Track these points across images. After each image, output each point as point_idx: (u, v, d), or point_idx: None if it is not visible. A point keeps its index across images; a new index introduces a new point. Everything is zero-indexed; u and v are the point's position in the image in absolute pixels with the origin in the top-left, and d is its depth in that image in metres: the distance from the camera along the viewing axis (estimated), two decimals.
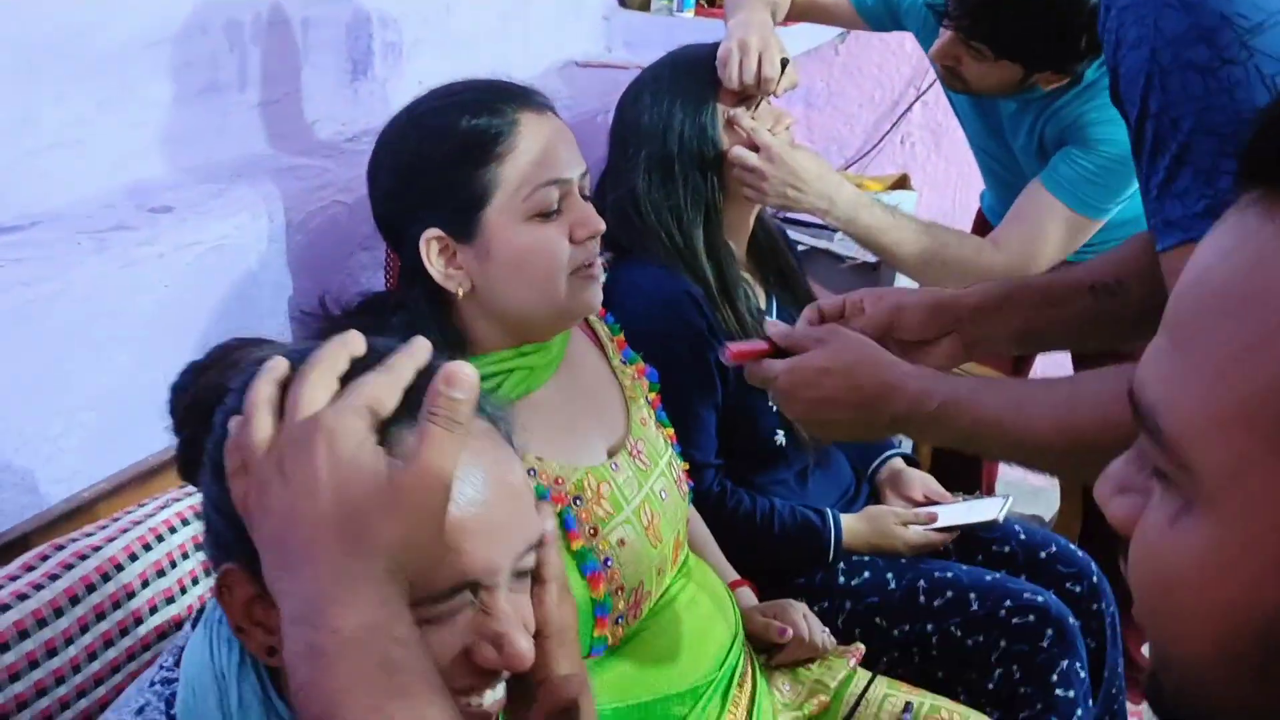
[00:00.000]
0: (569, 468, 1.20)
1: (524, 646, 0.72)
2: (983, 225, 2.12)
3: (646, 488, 1.28)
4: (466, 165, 1.14)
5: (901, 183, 2.81)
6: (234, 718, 0.77)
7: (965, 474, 2.15)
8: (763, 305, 1.74)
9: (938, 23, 1.67)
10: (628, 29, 2.33)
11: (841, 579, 1.66)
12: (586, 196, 1.23)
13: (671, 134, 1.59)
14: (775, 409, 1.64)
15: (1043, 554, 1.73)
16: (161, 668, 0.83)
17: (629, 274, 1.65)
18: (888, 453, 1.86)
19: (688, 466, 1.41)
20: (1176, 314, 0.48)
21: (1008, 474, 2.46)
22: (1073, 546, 1.75)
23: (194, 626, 0.83)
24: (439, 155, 1.15)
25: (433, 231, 1.15)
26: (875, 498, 1.84)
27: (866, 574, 1.66)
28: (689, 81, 1.60)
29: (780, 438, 1.67)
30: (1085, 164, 1.64)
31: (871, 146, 3.04)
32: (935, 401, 1.01)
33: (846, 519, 1.67)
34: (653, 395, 1.39)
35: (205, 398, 0.79)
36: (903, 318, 1.14)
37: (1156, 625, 0.50)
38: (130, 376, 1.13)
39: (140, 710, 0.79)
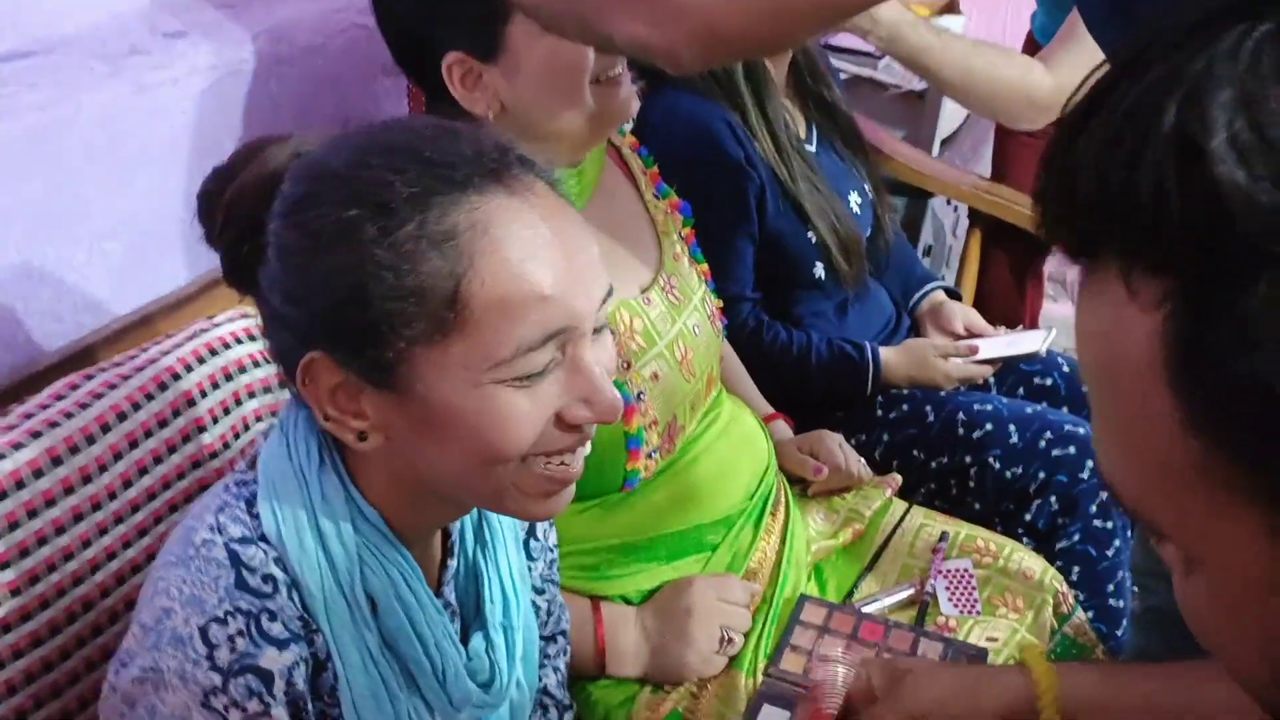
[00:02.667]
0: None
1: (611, 396, 0.76)
2: (1033, 49, 2.02)
3: (680, 323, 1.25)
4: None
5: (950, 6, 2.69)
6: (318, 510, 0.78)
7: (1009, 308, 2.11)
8: (803, 134, 1.68)
9: None
10: None
11: (879, 411, 1.65)
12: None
13: None
14: (814, 239, 1.60)
15: (1085, 386, 1.69)
16: (236, 472, 0.84)
17: (663, 101, 1.60)
18: (929, 285, 1.82)
19: (721, 303, 1.38)
20: (1087, 389, 0.49)
21: (1052, 310, 2.42)
22: None
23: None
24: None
25: (454, 55, 1.10)
26: (916, 330, 1.81)
27: (905, 406, 1.64)
28: None
29: (819, 270, 1.63)
30: None
31: None
32: None
33: (885, 351, 1.64)
34: (686, 230, 1.35)
35: (242, 201, 0.77)
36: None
37: (1216, 655, 0.51)
38: (153, 204, 1.11)
39: (221, 509, 0.80)
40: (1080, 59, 1.58)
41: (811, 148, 1.68)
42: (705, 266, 1.37)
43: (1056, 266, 2.17)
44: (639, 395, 1.19)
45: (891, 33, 1.55)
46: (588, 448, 0.80)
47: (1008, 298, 2.13)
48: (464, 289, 0.71)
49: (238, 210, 0.77)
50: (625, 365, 1.18)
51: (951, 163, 2.18)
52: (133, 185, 1.10)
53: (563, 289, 0.74)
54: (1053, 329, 1.66)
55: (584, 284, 0.76)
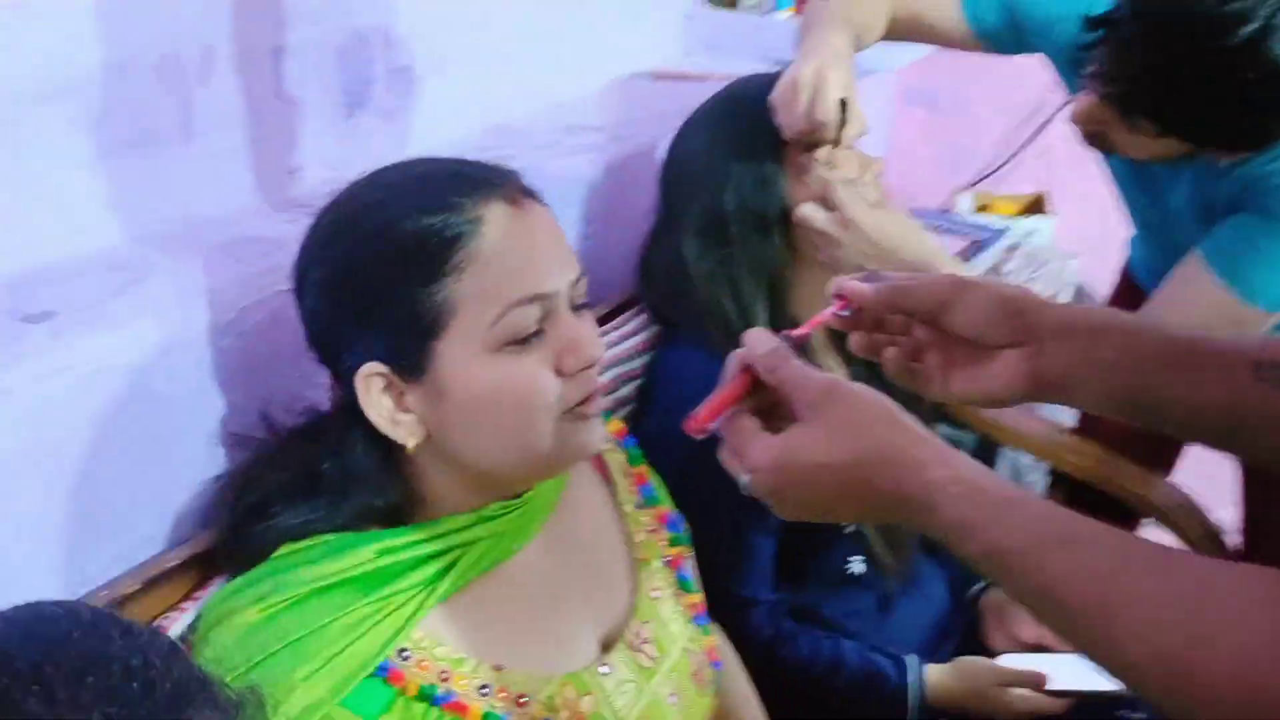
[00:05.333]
0: (539, 678, 0.91)
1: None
2: (1127, 287, 1.74)
3: (649, 693, 0.97)
4: (412, 280, 0.85)
5: (1037, 205, 2.42)
6: None
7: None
8: None
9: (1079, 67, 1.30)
10: (712, 31, 2.00)
11: None
12: (581, 305, 0.92)
13: (726, 187, 1.27)
14: (849, 527, 1.33)
15: None
16: None
17: (673, 358, 1.35)
18: None
19: (713, 641, 1.10)
20: None
21: None
22: None
23: None
24: (376, 267, 0.86)
25: (372, 366, 0.87)
26: (975, 629, 1.50)
27: None
28: (748, 121, 1.27)
29: (857, 565, 1.35)
30: (1263, 241, 1.26)
31: (1005, 160, 2.63)
32: (946, 517, 0.67)
33: (933, 672, 1.34)
34: (673, 551, 1.09)
35: None
36: (962, 301, 0.79)
37: None
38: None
39: None
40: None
41: None
42: (697, 598, 1.10)
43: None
44: None
45: None
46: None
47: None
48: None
49: None
50: None
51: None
52: None
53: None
54: None
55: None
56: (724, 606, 1.27)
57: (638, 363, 1.40)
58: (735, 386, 0.78)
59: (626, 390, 1.39)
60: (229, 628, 0.84)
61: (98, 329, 0.95)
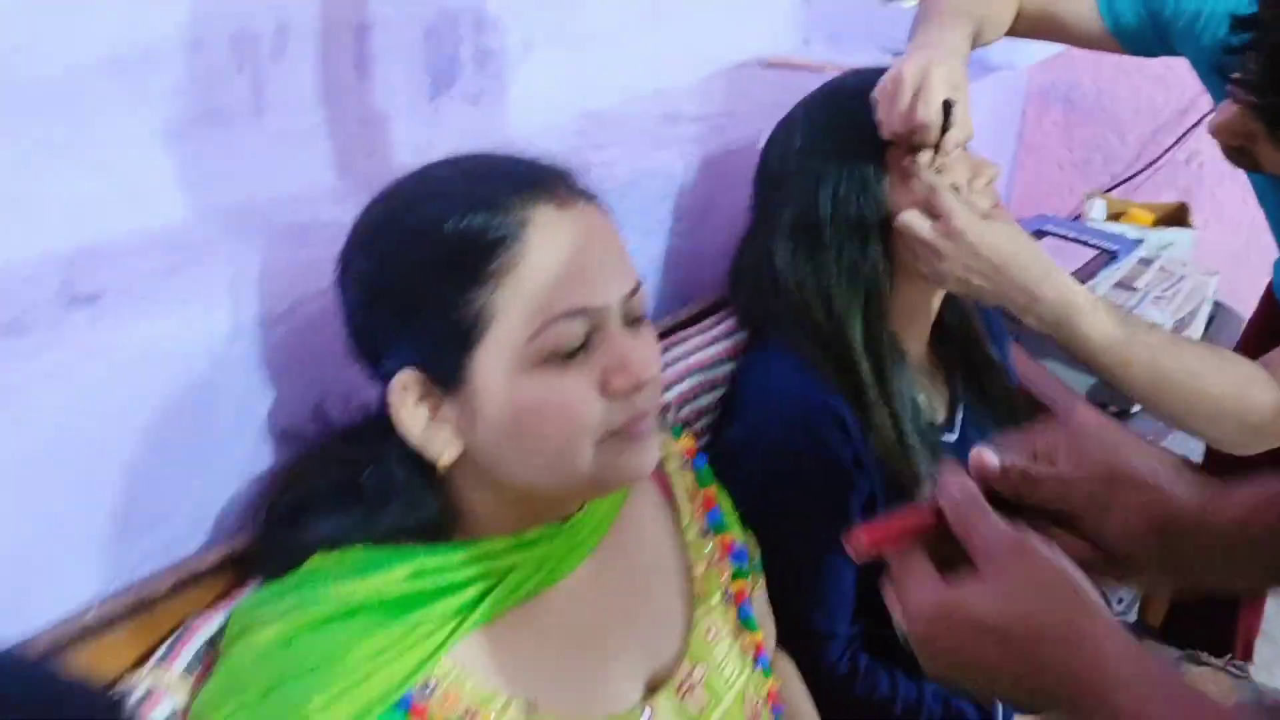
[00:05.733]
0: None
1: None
2: (1272, 310, 1.58)
3: None
4: (450, 285, 0.79)
5: (1178, 215, 2.25)
6: None
7: (1210, 632, 1.65)
8: (941, 417, 1.31)
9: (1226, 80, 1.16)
10: (832, 18, 1.89)
11: None
12: (638, 318, 0.85)
13: (824, 190, 1.18)
14: None
15: None
16: None
17: (759, 366, 1.26)
18: None
19: (776, 685, 1.02)
20: None
21: (1273, 633, 1.92)
22: None
23: None
24: (414, 267, 0.80)
25: (408, 373, 0.81)
26: None
27: None
28: (849, 119, 1.17)
29: None
30: None
31: (1147, 164, 2.45)
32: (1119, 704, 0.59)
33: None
34: (736, 585, 1.01)
35: None
36: (1110, 509, 0.71)
37: None
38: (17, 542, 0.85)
39: None
40: None
41: (952, 437, 1.30)
42: (760, 636, 1.02)
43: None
44: None
45: (1057, 315, 1.15)
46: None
47: (1213, 613, 1.67)
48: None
49: None
50: None
51: (1156, 434, 1.74)
52: None
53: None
54: None
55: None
56: (799, 637, 1.19)
57: (724, 369, 1.32)
58: (917, 519, 0.70)
59: (708, 399, 1.31)
60: (248, 644, 0.80)
61: (145, 312, 0.91)
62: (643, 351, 0.82)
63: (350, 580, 0.81)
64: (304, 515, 0.86)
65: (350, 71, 1.19)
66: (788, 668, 1.18)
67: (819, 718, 1.17)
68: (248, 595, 0.88)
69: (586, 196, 0.84)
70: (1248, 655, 1.72)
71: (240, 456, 0.98)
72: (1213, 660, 1.56)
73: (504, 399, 0.79)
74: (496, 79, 1.35)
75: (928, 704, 1.23)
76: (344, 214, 1.07)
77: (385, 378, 0.83)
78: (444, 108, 1.29)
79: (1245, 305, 1.78)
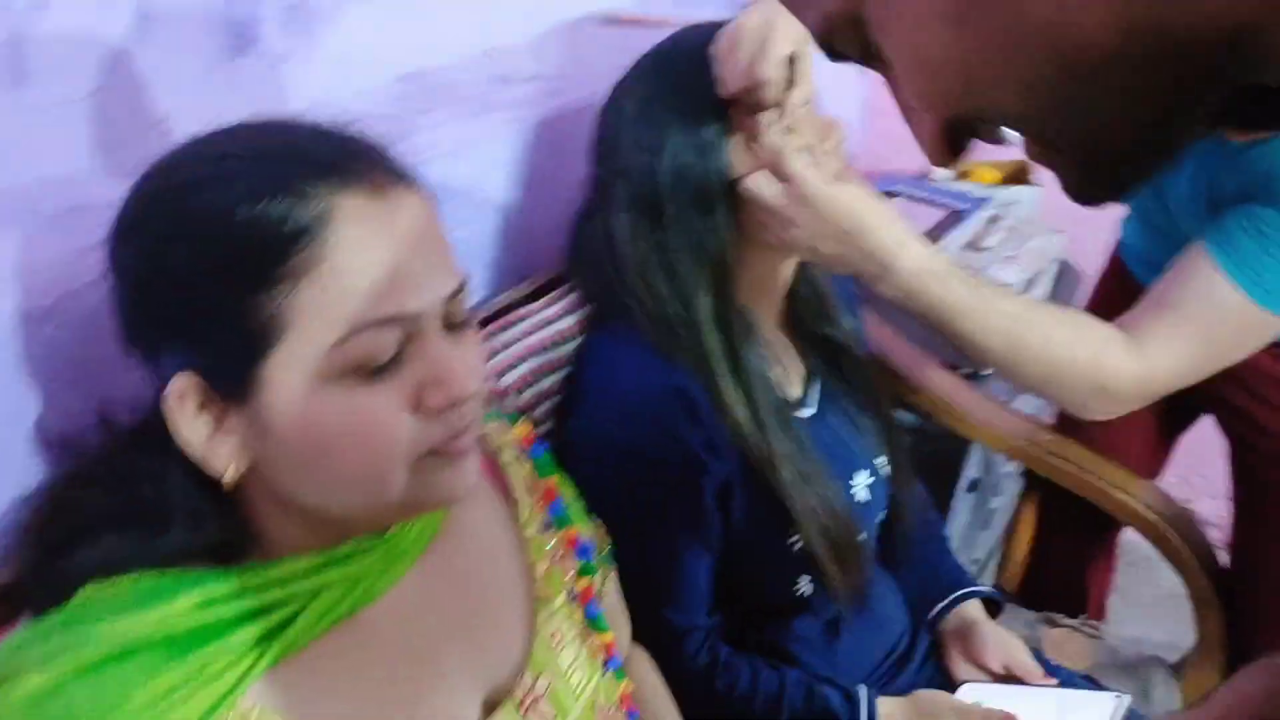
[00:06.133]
0: None
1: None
2: (1118, 271, 1.57)
3: None
4: (235, 285, 0.67)
5: (1020, 174, 2.25)
6: None
7: (1066, 593, 1.64)
8: (797, 392, 1.25)
9: None
10: None
11: None
12: (460, 322, 0.75)
13: (660, 155, 1.10)
14: (798, 546, 1.17)
15: None
16: None
17: (601, 349, 1.18)
18: (960, 591, 1.37)
19: (629, 688, 0.95)
20: None
21: (1131, 596, 1.94)
22: None
23: None
24: (191, 262, 0.68)
25: (185, 379, 0.70)
26: (936, 652, 1.35)
27: None
28: (687, 78, 1.09)
29: (804, 585, 1.20)
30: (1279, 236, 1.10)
31: None
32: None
33: (887, 706, 1.19)
34: (581, 583, 0.93)
35: None
36: None
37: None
38: None
39: None
40: (1177, 336, 1.13)
41: (808, 412, 1.25)
42: (610, 637, 0.94)
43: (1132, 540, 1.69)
44: None
45: (910, 285, 1.10)
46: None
47: (1068, 574, 1.67)
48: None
49: None
50: None
51: (1008, 396, 1.73)
52: None
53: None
54: (1125, 696, 1.19)
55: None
56: (655, 632, 1.13)
57: (566, 349, 1.23)
58: None
59: (550, 382, 1.22)
60: (9, 695, 0.68)
61: None
62: (464, 362, 0.72)
63: (127, 614, 0.70)
64: (76, 538, 0.74)
65: (131, 29, 1.05)
66: (643, 664, 1.11)
67: (678, 714, 1.11)
68: (11, 635, 0.76)
69: (403, 180, 0.73)
70: (1100, 614, 1.73)
71: (7, 472, 0.85)
72: (1068, 621, 1.56)
73: (299, 416, 0.68)
74: (306, 36, 1.22)
75: (789, 695, 1.17)
76: (121, 196, 0.94)
77: (162, 381, 0.71)
78: (245, 70, 1.17)
79: (1091, 263, 1.78)
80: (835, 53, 0.51)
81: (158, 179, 0.72)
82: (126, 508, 0.74)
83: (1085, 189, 0.48)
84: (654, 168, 1.09)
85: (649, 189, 1.10)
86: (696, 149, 1.08)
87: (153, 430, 0.77)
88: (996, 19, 0.42)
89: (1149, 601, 2.12)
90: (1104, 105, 0.43)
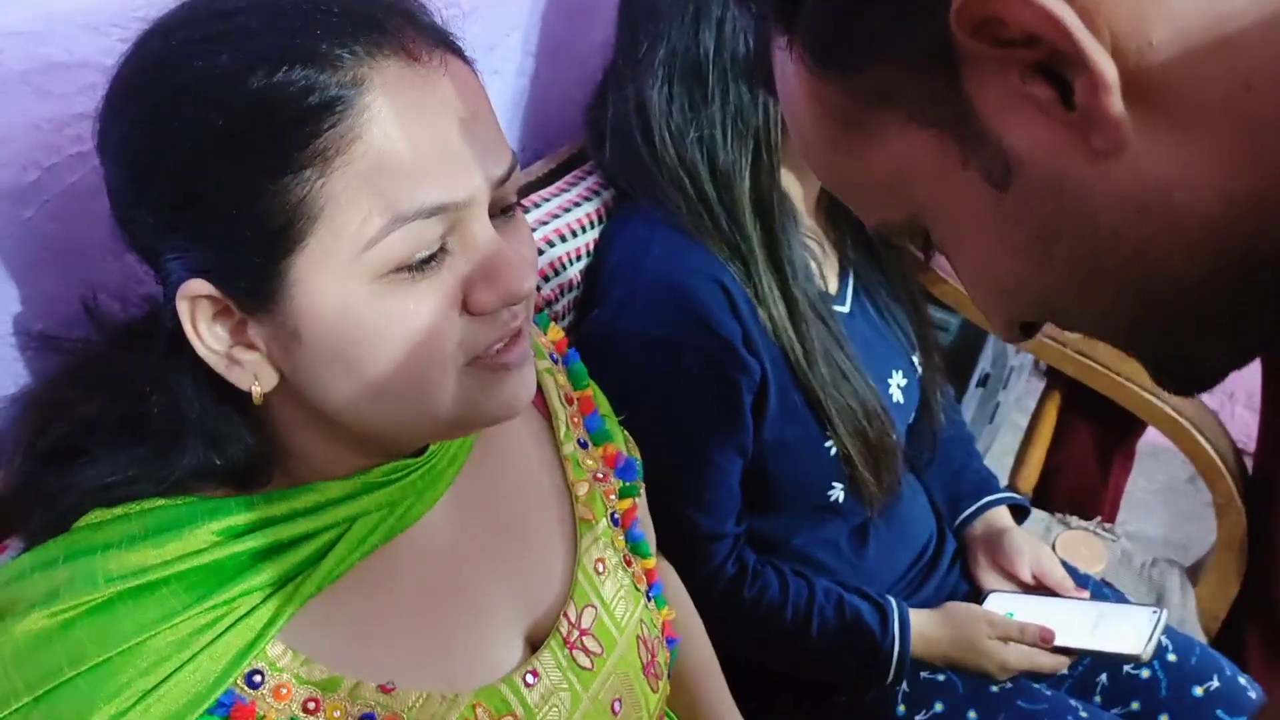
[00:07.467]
0: (442, 698, 0.68)
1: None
2: None
3: (586, 700, 0.75)
4: (252, 170, 0.57)
5: None
6: None
7: (1085, 490, 1.61)
8: (833, 287, 1.17)
9: None
10: None
11: (901, 708, 1.15)
12: (509, 207, 0.66)
13: (705, 22, 0.99)
14: (834, 449, 1.10)
15: (1198, 690, 1.19)
16: None
17: (628, 235, 1.09)
18: (988, 498, 1.31)
19: (672, 614, 0.88)
20: None
21: (1138, 495, 1.91)
22: (1243, 683, 1.21)
23: None
24: (199, 142, 0.57)
25: (197, 284, 0.60)
26: (963, 559, 1.31)
27: (938, 707, 1.15)
28: None
29: (837, 491, 1.13)
30: None
31: None
32: None
33: (918, 619, 1.14)
34: (623, 505, 0.85)
35: None
36: None
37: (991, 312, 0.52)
38: None
39: None
40: None
41: (844, 308, 1.16)
42: (651, 562, 0.87)
43: (1149, 440, 1.64)
44: None
45: None
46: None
47: (1085, 476, 1.62)
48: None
49: None
50: None
51: None
52: None
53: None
54: (1162, 610, 1.14)
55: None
56: (681, 540, 1.06)
57: (588, 237, 1.14)
58: None
59: (572, 272, 1.13)
60: (8, 632, 0.60)
61: None
62: (518, 255, 0.64)
63: (138, 548, 0.61)
64: (74, 453, 0.65)
65: None
66: (669, 577, 1.05)
67: (703, 627, 1.05)
68: (5, 561, 0.67)
69: (446, 43, 0.62)
70: (1113, 516, 1.70)
71: None
72: (1083, 523, 1.52)
73: (332, 322, 0.59)
74: None
75: (819, 605, 1.12)
76: (94, 51, 0.82)
77: (169, 285, 0.62)
78: None
79: None
80: (890, 244, 0.49)
81: (156, 39, 0.61)
82: (130, 419, 0.65)
83: (1164, 384, 0.50)
84: (696, 34, 0.99)
85: (689, 57, 1.00)
86: (744, 14, 0.97)
87: (159, 328, 0.67)
88: (1076, 258, 0.43)
89: (1140, 496, 2.10)
90: (1182, 330, 0.44)
